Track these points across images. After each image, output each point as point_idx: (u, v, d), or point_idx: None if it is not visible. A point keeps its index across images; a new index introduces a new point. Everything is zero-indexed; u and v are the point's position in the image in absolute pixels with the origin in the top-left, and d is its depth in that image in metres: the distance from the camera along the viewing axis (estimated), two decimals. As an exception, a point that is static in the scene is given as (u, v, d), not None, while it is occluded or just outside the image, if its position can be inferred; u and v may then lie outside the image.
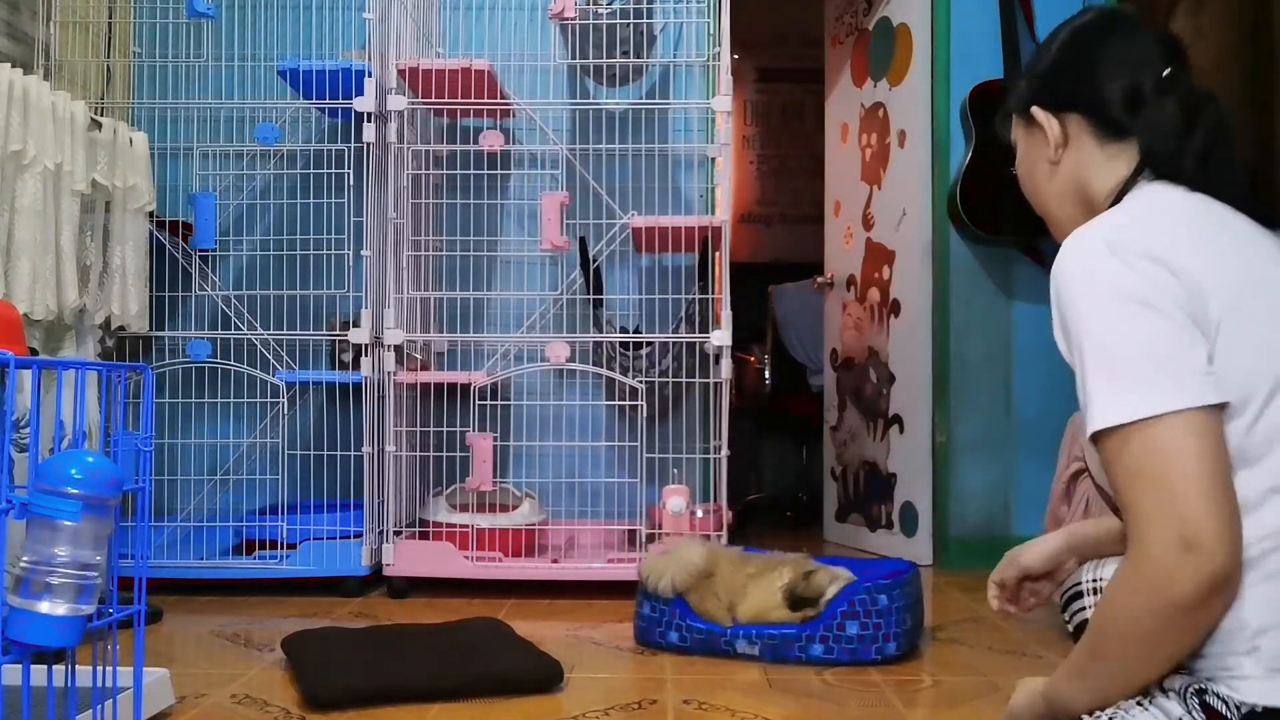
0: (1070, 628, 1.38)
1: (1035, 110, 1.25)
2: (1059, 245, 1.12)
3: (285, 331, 3.27)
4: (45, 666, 1.29)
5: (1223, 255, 1.06)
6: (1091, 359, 1.03)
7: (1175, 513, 0.95)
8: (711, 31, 3.55)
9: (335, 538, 3.02)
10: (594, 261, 3.43)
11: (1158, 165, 1.15)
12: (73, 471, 1.21)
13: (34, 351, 2.48)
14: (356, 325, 3.06)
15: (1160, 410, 0.97)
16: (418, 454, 3.18)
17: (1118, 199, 1.16)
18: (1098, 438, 1.02)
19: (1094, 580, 1.35)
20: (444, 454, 3.17)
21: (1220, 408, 0.99)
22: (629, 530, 3.22)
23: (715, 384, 3.18)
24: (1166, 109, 1.16)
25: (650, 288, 3.59)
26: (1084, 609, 1.33)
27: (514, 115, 3.51)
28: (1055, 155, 1.24)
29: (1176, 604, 0.95)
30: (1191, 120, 1.15)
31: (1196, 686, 0.99)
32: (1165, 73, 1.17)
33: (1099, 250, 1.05)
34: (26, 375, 1.50)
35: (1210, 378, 0.99)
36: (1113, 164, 1.19)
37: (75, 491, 1.21)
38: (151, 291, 3.11)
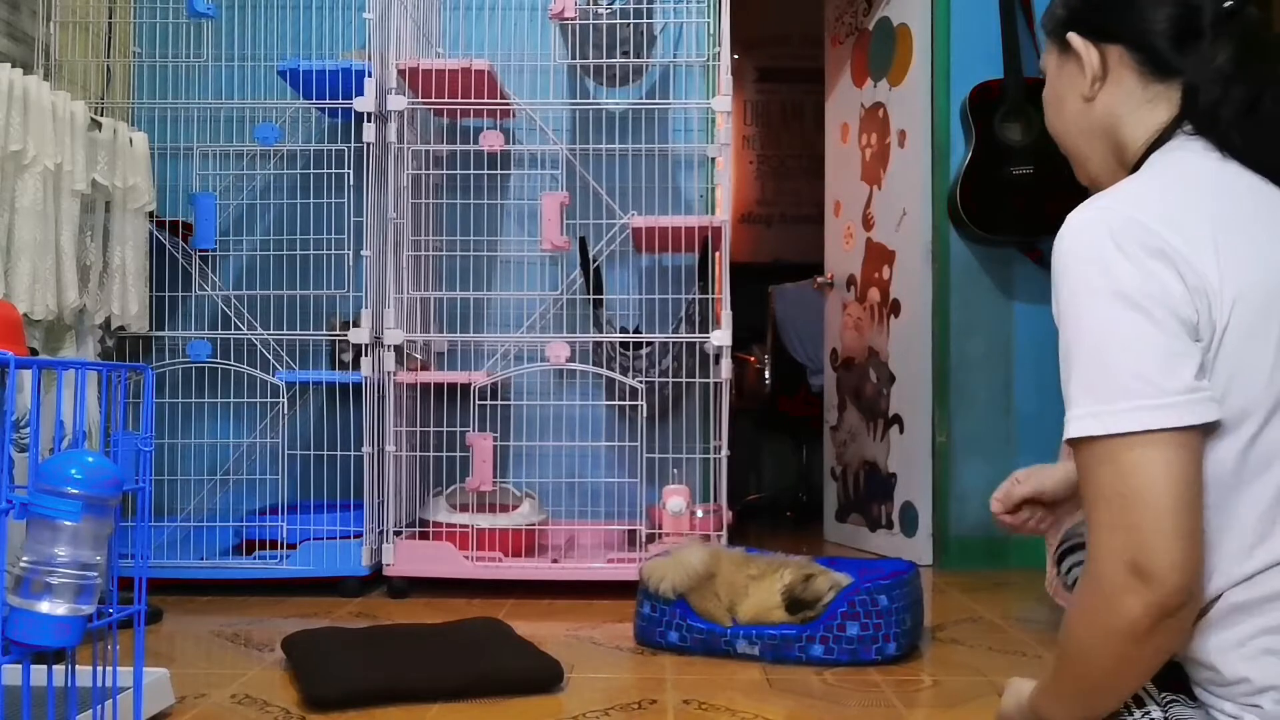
0: (1068, 581, 1.31)
1: (1073, 37, 1.11)
2: (1069, 209, 1.04)
3: (285, 331, 3.27)
4: (45, 666, 1.29)
5: (1246, 250, 0.96)
6: (1076, 357, 0.98)
7: (1130, 536, 0.91)
8: (711, 31, 3.55)
9: (335, 538, 3.02)
10: (594, 261, 3.43)
11: (1197, 117, 1.04)
12: (73, 471, 1.21)
13: (34, 351, 2.48)
14: (356, 325, 3.06)
15: (1136, 428, 0.92)
16: (418, 454, 3.18)
17: (1148, 152, 1.06)
18: (1072, 443, 0.98)
19: None
20: (444, 454, 3.17)
21: (1204, 428, 0.93)
22: (629, 530, 3.22)
23: (715, 384, 3.18)
24: (1221, 51, 1.03)
25: (650, 288, 3.59)
26: (1080, 562, 1.28)
27: (514, 115, 3.51)
28: (1091, 91, 1.11)
29: (1123, 631, 0.92)
30: (1243, 68, 1.02)
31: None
32: (1227, 4, 1.03)
33: (1101, 237, 0.97)
34: (26, 375, 1.50)
35: (1196, 395, 0.92)
36: (1151, 108, 1.07)
37: (75, 491, 1.21)
38: (151, 291, 3.11)
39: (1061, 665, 1.02)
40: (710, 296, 3.28)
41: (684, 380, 3.31)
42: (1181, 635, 0.94)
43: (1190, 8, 1.04)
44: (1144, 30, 1.06)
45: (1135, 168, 1.08)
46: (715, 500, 3.22)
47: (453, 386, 3.35)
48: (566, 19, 3.18)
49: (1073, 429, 0.97)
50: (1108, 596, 0.92)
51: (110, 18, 3.44)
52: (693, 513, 3.18)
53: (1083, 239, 0.99)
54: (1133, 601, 0.91)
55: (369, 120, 3.05)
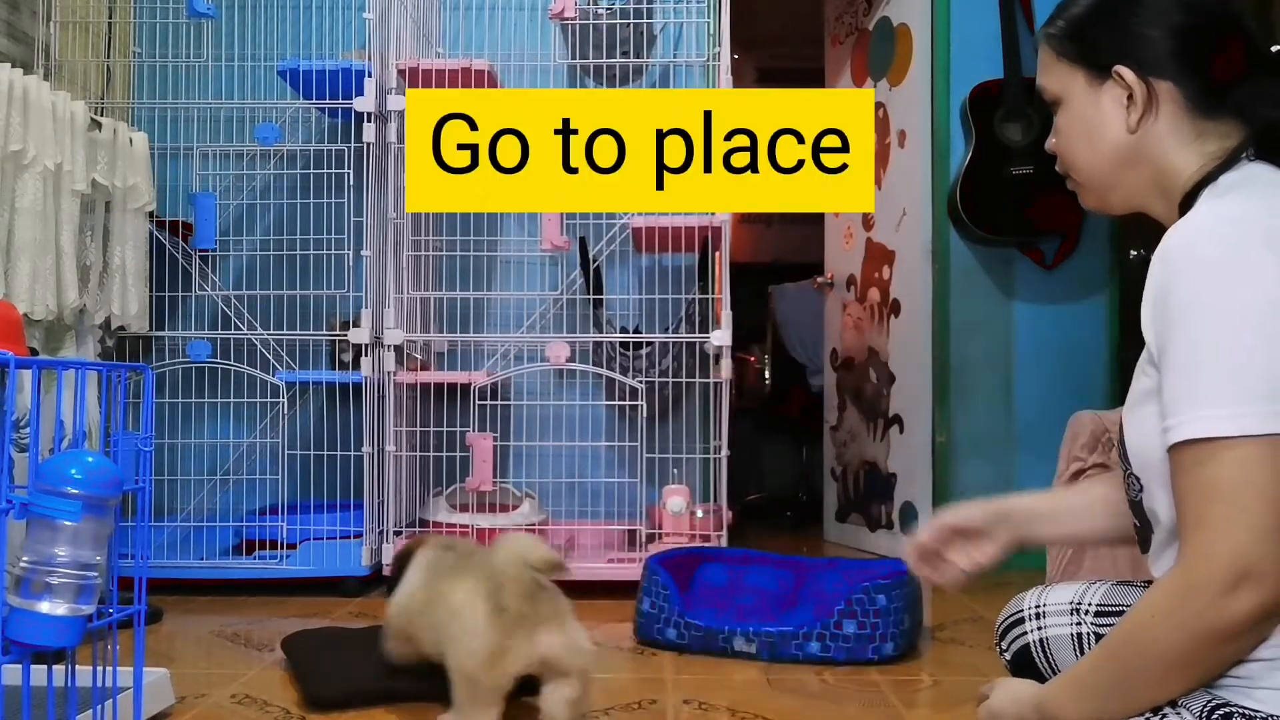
0: (1007, 656, 1.30)
1: (1125, 71, 1.08)
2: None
3: (285, 331, 3.27)
4: (45, 666, 1.29)
5: None
6: (1204, 357, 0.93)
7: (1240, 537, 0.90)
8: (711, 31, 3.55)
9: (335, 538, 3.02)
10: (594, 261, 3.43)
11: (1273, 144, 1.03)
12: (73, 471, 1.21)
13: (34, 351, 2.48)
14: (356, 325, 3.06)
15: (1271, 431, 0.90)
16: (418, 454, 3.18)
17: (1206, 180, 1.04)
18: (1181, 444, 0.94)
19: (1037, 606, 1.28)
20: (444, 454, 3.17)
21: None
22: (629, 530, 3.22)
23: (715, 384, 3.18)
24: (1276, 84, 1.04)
25: (650, 288, 3.59)
26: (1024, 634, 1.28)
27: (514, 115, 3.51)
28: (1135, 125, 1.08)
29: (1220, 631, 0.91)
30: None
31: (1216, 702, 0.96)
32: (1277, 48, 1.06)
33: (1251, 241, 0.94)
34: (26, 375, 1.50)
35: None
36: (1200, 141, 1.07)
37: (75, 491, 1.21)
38: (151, 291, 3.11)
39: (1117, 664, 1.00)
40: (710, 296, 3.28)
41: (684, 380, 3.31)
42: (1267, 636, 0.94)
43: (1245, 43, 1.05)
44: (1197, 68, 1.06)
45: (1190, 194, 1.07)
46: (715, 500, 3.22)
47: (453, 386, 3.35)
48: (566, 19, 3.18)
49: (1199, 428, 0.93)
50: (1209, 595, 0.91)
51: (110, 18, 3.44)
52: (693, 513, 3.18)
53: (1225, 240, 0.96)
54: (1239, 602, 0.90)
55: (369, 120, 3.05)
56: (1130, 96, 1.09)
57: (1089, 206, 1.20)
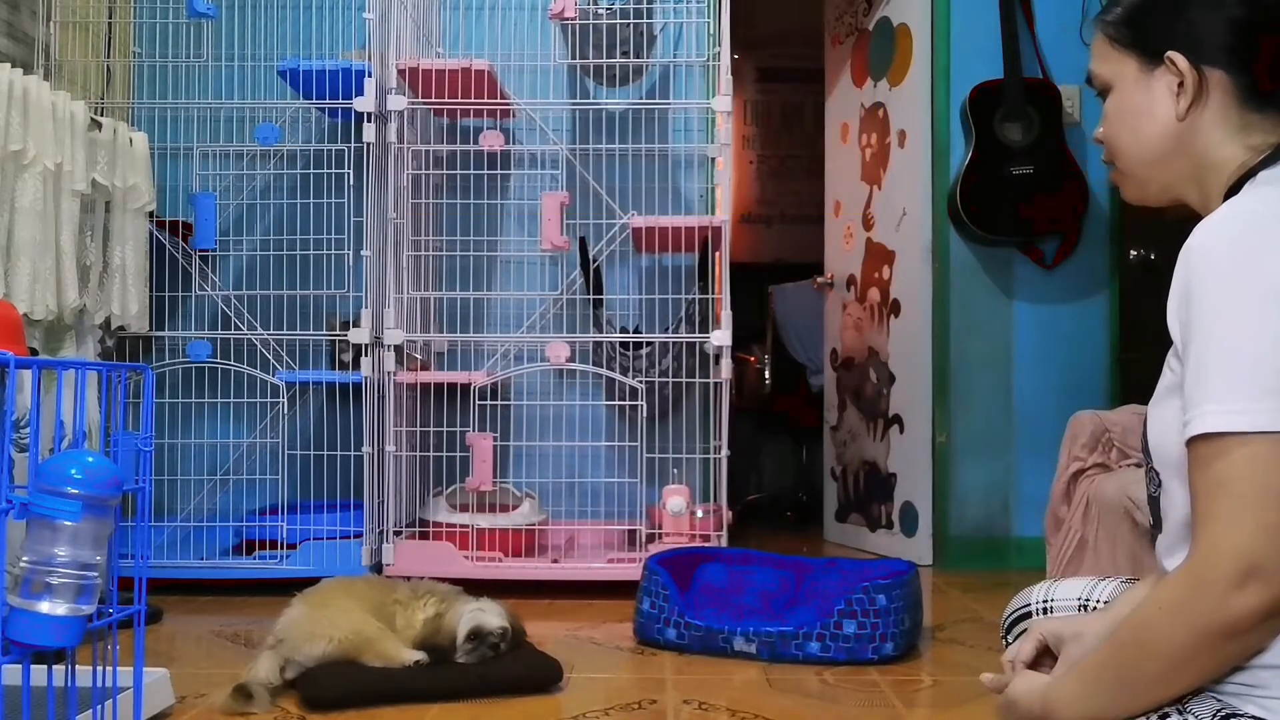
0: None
1: (1178, 58, 1.07)
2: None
3: (285, 331, 3.27)
4: (45, 666, 1.29)
5: None
6: (1219, 352, 0.94)
7: (1248, 533, 0.90)
8: (711, 31, 3.55)
9: (335, 538, 3.02)
10: (594, 261, 3.43)
11: None
12: (73, 471, 1.21)
13: (34, 351, 2.48)
14: (356, 325, 3.06)
15: (1278, 428, 0.90)
16: (418, 454, 3.18)
17: (1250, 173, 1.05)
18: (1196, 438, 0.95)
19: (1045, 600, 1.27)
20: (444, 454, 3.17)
21: None
22: (629, 530, 3.22)
23: (715, 384, 3.18)
24: None
25: (650, 288, 3.59)
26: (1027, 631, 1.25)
27: (514, 115, 3.51)
28: (1184, 113, 1.08)
29: (1226, 627, 0.91)
30: None
31: (1225, 711, 0.95)
32: None
33: (1268, 239, 0.94)
34: (26, 375, 1.50)
35: None
36: (1245, 134, 1.07)
37: (75, 491, 1.21)
38: (151, 291, 3.11)
39: (1122, 660, 1.00)
40: (710, 296, 3.28)
41: (684, 380, 3.31)
42: (1268, 637, 0.93)
43: None
44: (1252, 61, 1.06)
45: (1232, 188, 1.07)
46: (715, 500, 3.22)
47: (453, 386, 3.35)
48: (566, 19, 3.18)
49: (1211, 423, 0.93)
50: (1216, 591, 0.91)
51: (110, 18, 3.44)
52: (693, 513, 3.18)
53: (1235, 238, 0.97)
54: (1245, 598, 0.90)
55: (369, 120, 3.05)
56: (1181, 84, 1.08)
57: (1129, 198, 1.19)
